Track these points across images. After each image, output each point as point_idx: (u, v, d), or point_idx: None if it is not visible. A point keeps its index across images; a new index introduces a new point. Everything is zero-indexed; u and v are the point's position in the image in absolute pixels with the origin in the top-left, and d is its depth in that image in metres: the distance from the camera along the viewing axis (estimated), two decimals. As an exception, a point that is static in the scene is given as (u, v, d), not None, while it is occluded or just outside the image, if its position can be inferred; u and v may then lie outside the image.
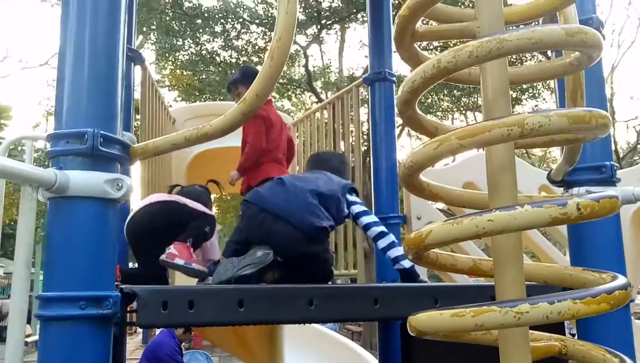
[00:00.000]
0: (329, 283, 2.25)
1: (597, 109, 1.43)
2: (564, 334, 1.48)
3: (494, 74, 1.13)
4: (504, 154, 1.12)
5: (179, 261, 2.05)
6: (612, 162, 1.86)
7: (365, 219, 2.26)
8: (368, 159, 5.38)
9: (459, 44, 1.07)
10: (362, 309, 1.72)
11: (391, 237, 2.24)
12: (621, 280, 1.05)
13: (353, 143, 3.88)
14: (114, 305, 1.38)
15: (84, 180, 1.39)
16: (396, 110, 1.22)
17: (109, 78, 1.50)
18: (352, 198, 2.31)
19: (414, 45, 1.26)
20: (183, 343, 6.43)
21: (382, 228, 2.25)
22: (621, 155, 17.60)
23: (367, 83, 3.41)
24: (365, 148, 9.25)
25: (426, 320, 1.03)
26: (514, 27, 1.20)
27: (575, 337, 1.59)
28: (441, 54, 1.03)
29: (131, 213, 2.38)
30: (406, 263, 2.20)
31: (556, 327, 1.53)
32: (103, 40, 1.50)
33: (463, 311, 0.97)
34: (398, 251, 2.21)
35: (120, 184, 1.44)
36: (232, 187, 3.59)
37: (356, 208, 2.28)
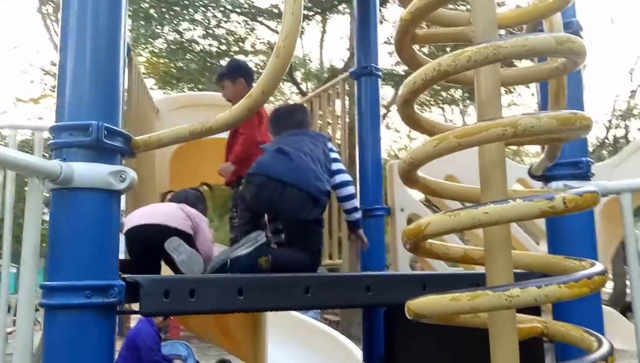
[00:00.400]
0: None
1: (576, 107, 1.53)
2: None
3: (488, 77, 1.22)
4: (495, 152, 1.21)
5: (186, 245, 2.12)
6: (587, 158, 1.97)
7: (339, 165, 2.53)
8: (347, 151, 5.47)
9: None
10: (355, 296, 1.81)
11: (352, 189, 2.53)
12: (599, 266, 1.16)
13: (339, 138, 3.95)
14: (119, 294, 1.42)
15: (88, 171, 1.41)
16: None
17: (110, 70, 1.52)
18: (330, 144, 2.58)
19: (413, 47, 1.33)
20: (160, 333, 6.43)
21: (348, 177, 2.53)
22: (591, 150, 18.08)
23: (354, 77, 3.48)
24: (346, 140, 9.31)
25: (425, 304, 1.12)
26: (506, 33, 1.28)
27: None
28: (441, 58, 1.11)
29: (142, 219, 2.39)
30: (357, 215, 2.54)
31: (533, 312, 1.65)
32: (105, 33, 1.52)
33: (460, 295, 1.05)
34: (353, 204, 2.51)
35: (123, 176, 1.47)
36: (220, 179, 3.63)
37: (332, 155, 2.53)
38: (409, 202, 3.60)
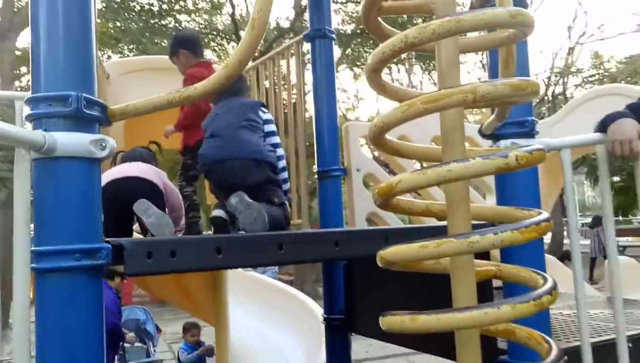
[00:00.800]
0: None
1: (523, 73, 1.68)
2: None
3: (448, 47, 1.34)
4: (455, 116, 1.35)
5: (155, 207, 2.17)
6: (532, 117, 2.16)
7: (274, 139, 2.70)
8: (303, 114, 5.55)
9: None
10: (325, 251, 1.95)
11: (284, 163, 2.76)
12: (545, 214, 1.33)
13: (294, 100, 4.02)
14: (107, 256, 1.50)
15: (69, 141, 1.45)
16: (366, 77, 1.40)
17: (84, 38, 1.53)
18: (265, 116, 2.73)
19: (378, 18, 1.44)
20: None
21: (282, 151, 2.75)
22: (529, 107, 18.84)
23: (308, 39, 3.53)
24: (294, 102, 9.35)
25: (396, 252, 1.26)
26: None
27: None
28: (407, 30, 1.22)
29: (111, 176, 2.40)
30: (286, 186, 2.76)
31: (484, 257, 1.84)
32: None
33: (427, 243, 1.20)
34: (284, 176, 2.73)
35: (104, 144, 1.52)
36: (170, 143, 3.66)
37: (267, 128, 2.70)
38: (365, 162, 3.77)
